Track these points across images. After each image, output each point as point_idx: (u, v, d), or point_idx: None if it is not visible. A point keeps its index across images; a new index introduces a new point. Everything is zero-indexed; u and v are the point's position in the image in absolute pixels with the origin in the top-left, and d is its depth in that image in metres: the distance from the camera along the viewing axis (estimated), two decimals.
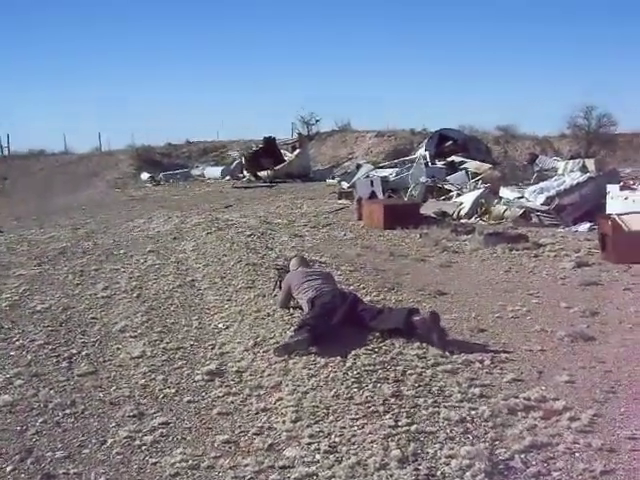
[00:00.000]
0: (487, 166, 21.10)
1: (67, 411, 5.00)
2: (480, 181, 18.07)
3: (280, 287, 7.66)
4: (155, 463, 4.15)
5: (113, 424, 4.74)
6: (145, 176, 32.82)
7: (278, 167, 29.93)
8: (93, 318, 7.64)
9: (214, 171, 32.27)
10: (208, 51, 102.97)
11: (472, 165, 21.25)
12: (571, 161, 20.89)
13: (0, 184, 36.75)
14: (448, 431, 4.38)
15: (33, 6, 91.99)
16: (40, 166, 39.98)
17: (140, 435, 4.52)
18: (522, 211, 13.88)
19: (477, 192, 15.78)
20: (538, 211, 13.79)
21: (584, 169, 18.48)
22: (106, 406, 5.08)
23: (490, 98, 75.61)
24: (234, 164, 32.68)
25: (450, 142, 25.86)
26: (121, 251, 12.20)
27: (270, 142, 32.37)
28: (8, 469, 4.15)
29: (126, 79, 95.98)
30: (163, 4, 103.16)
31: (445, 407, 4.72)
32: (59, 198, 24.30)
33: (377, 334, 6.28)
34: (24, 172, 39.18)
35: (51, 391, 5.41)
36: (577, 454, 4.03)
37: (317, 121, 42.70)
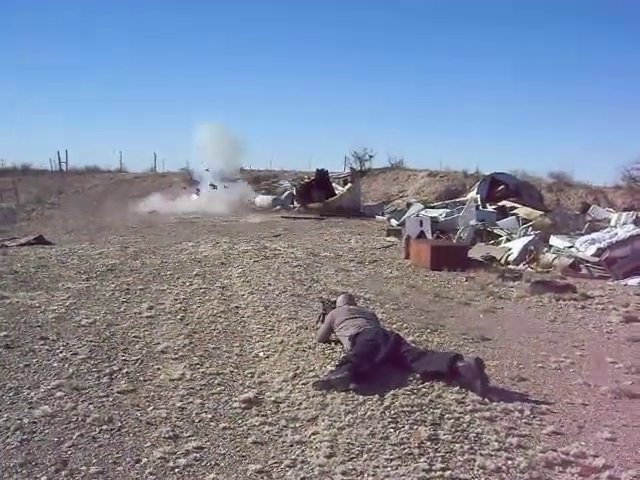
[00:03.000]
0: (538, 213, 20.90)
1: (104, 427, 5.05)
2: (530, 228, 17.86)
3: (323, 320, 7.66)
4: None
5: (148, 444, 4.77)
6: (195, 198, 33.16)
7: (329, 200, 30.02)
8: (136, 337, 7.72)
9: (265, 200, 32.47)
10: (262, 80, 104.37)
11: (523, 211, 21.08)
12: (624, 213, 20.54)
13: (55, 198, 37.45)
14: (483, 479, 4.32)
15: (98, 28, 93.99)
16: (95, 182, 40.74)
17: (174, 457, 4.55)
18: (571, 261, 13.67)
19: (527, 239, 15.62)
20: (588, 262, 13.58)
21: (637, 222, 18.18)
22: (142, 425, 5.11)
23: (544, 145, 75.44)
24: (285, 194, 32.91)
25: (502, 186, 25.71)
26: (168, 272, 12.33)
27: (322, 175, 32.52)
28: (43, 479, 4.20)
29: (186, 105, 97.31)
30: (228, 37, 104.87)
31: (481, 455, 4.66)
32: (110, 215, 24.60)
33: (417, 376, 6.22)
34: (79, 188, 39.96)
35: (90, 406, 5.47)
36: None
37: (370, 157, 43.00)
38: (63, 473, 4.30)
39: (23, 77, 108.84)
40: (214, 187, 33.61)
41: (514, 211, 21.18)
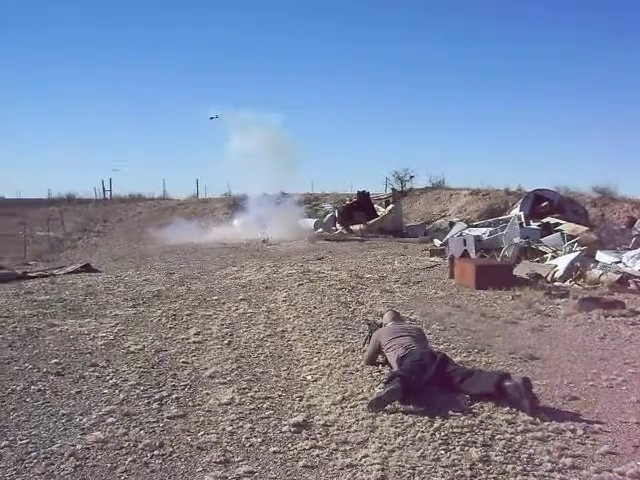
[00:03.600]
0: (583, 228, 20.65)
1: (155, 452, 5.09)
2: (576, 244, 17.65)
3: (369, 343, 7.63)
4: None
5: (200, 469, 4.79)
6: (237, 223, 33.30)
7: (371, 222, 30.04)
8: (184, 362, 7.78)
9: (307, 223, 32.50)
10: (301, 101, 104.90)
11: (568, 227, 20.85)
12: None
13: (100, 226, 38.00)
14: None
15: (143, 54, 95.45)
16: (138, 210, 41.24)
17: None
18: (619, 276, 13.44)
19: (572, 255, 15.41)
20: (636, 277, 13.37)
21: None
22: (193, 450, 5.14)
23: (588, 159, 74.58)
24: (327, 217, 32.96)
25: (545, 203, 25.47)
26: (214, 297, 12.40)
27: (364, 196, 32.59)
28: None
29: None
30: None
31: (534, 476, 4.60)
32: (155, 242, 24.86)
33: (466, 397, 6.18)
34: (123, 215, 40.49)
35: (141, 431, 5.52)
36: None
37: (411, 177, 42.98)
38: None
39: (66, 109, 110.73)
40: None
41: (559, 227, 20.96)
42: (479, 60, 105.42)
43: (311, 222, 32.01)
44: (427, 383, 6.32)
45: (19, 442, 5.29)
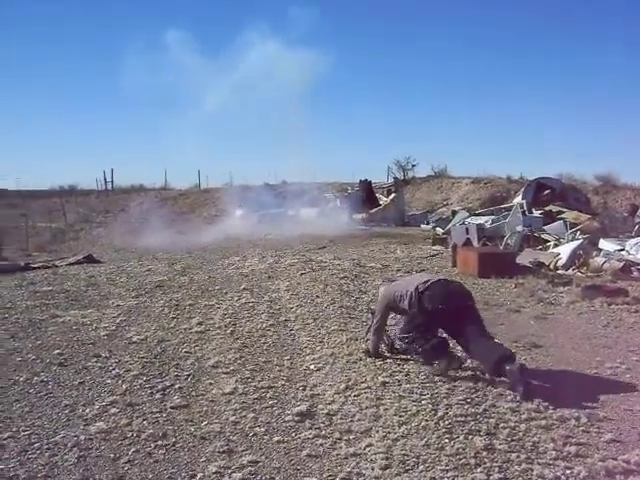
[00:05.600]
0: (586, 216, 20.66)
1: (159, 442, 5.09)
2: (579, 232, 17.62)
3: (372, 333, 7.49)
4: None
5: (203, 459, 4.79)
6: (239, 213, 33.18)
7: (373, 211, 30.00)
8: (187, 352, 7.77)
9: (309, 212, 32.37)
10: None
11: (570, 215, 20.84)
12: None
13: (102, 217, 38.00)
14: None
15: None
16: (140, 200, 41.21)
17: (229, 472, 4.55)
18: (622, 264, 13.41)
19: (575, 243, 15.38)
20: (639, 265, 13.35)
21: None
22: (197, 440, 5.13)
23: (590, 147, 74.42)
24: (329, 206, 32.84)
25: (548, 191, 25.45)
26: (216, 287, 12.40)
27: (366, 186, 32.50)
28: None
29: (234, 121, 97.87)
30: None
31: (539, 464, 4.59)
32: (157, 232, 24.81)
33: (470, 384, 6.19)
34: (124, 206, 40.48)
35: (144, 421, 5.51)
36: None
37: (413, 166, 42.89)
38: None
39: (66, 100, 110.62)
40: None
41: (561, 215, 20.93)
42: (480, 48, 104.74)
43: (312, 212, 31.88)
44: (456, 311, 6.66)
45: (22, 433, 5.29)
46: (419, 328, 6.73)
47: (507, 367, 6.12)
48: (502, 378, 6.20)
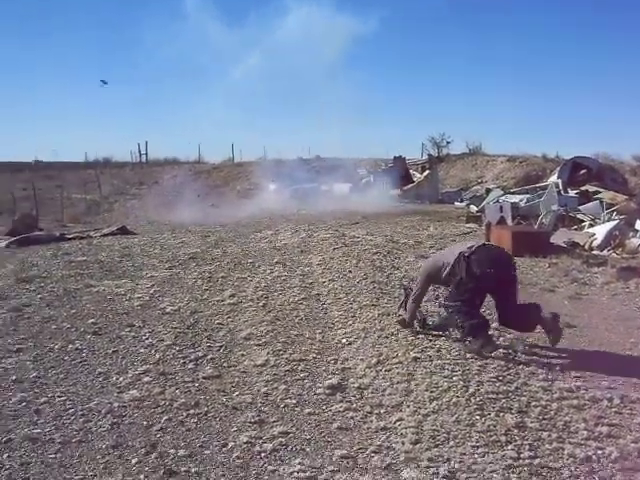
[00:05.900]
0: (623, 197, 20.35)
1: (191, 411, 5.15)
2: (615, 212, 17.38)
3: (405, 307, 7.52)
4: (273, 471, 4.21)
5: (234, 428, 4.84)
6: (272, 187, 33.20)
7: (407, 187, 29.86)
8: (219, 324, 7.83)
9: (342, 187, 32.28)
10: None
11: (607, 195, 20.53)
12: None
13: (136, 189, 38.25)
14: (572, 469, 4.25)
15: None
16: (174, 173, 41.39)
17: (260, 442, 4.60)
18: None
19: (611, 224, 15.16)
20: None
21: None
22: (228, 410, 5.18)
23: (628, 126, 73.28)
24: (363, 182, 32.75)
25: (584, 170, 25.13)
26: (249, 260, 12.43)
27: (400, 162, 32.33)
28: (133, 461, 4.32)
29: (263, 97, 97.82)
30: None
31: (570, 443, 4.57)
32: (190, 205, 24.91)
33: (502, 362, 6.18)
34: (158, 179, 40.68)
35: (177, 390, 5.58)
36: None
37: (448, 143, 42.46)
38: (153, 455, 4.40)
39: (102, 74, 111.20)
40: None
41: (597, 196, 20.65)
42: (520, 27, 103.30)
43: (345, 187, 31.79)
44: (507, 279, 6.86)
45: (57, 399, 5.38)
46: (467, 295, 6.68)
47: (542, 315, 6.60)
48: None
